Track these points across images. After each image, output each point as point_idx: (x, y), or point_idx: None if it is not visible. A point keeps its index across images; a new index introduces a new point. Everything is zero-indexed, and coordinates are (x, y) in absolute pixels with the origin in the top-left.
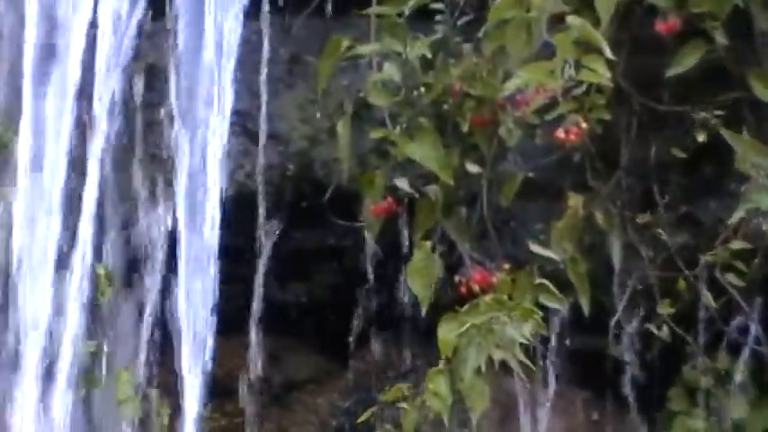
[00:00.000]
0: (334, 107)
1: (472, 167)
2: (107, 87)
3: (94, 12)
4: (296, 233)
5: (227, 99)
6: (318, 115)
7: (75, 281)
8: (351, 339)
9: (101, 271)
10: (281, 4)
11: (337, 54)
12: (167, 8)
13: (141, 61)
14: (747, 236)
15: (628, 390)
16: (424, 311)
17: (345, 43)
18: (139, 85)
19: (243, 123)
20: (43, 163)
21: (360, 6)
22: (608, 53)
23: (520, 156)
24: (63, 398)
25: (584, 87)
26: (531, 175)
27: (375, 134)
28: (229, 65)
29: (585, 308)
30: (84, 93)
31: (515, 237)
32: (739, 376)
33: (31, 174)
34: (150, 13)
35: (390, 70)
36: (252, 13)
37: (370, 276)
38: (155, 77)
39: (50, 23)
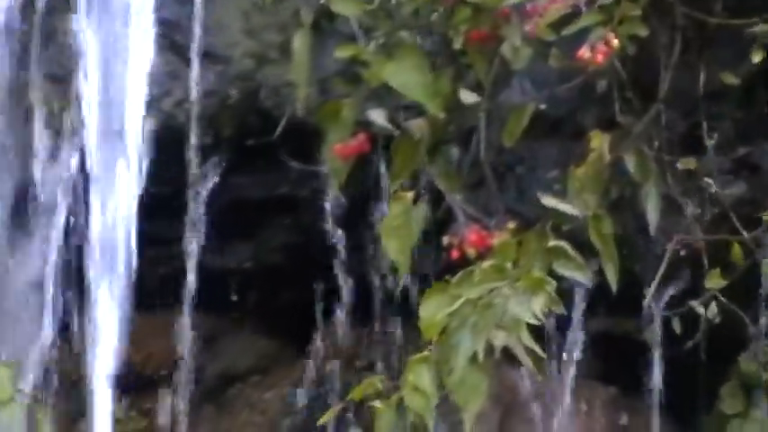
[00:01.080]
0: (287, 16)
1: (467, 96)
2: None
3: None
4: (238, 179)
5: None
6: (267, 27)
7: None
8: (312, 317)
9: None
10: None
11: None
12: None
13: None
14: None
15: (662, 385)
16: (401, 282)
17: None
18: None
19: (170, 36)
20: None
21: None
22: None
23: (529, 82)
24: None
25: None
26: (542, 106)
27: (341, 52)
28: None
29: (612, 279)
30: None
31: (522, 186)
32: None
33: None
34: None
35: None
36: None
37: (335, 236)
38: None
39: None
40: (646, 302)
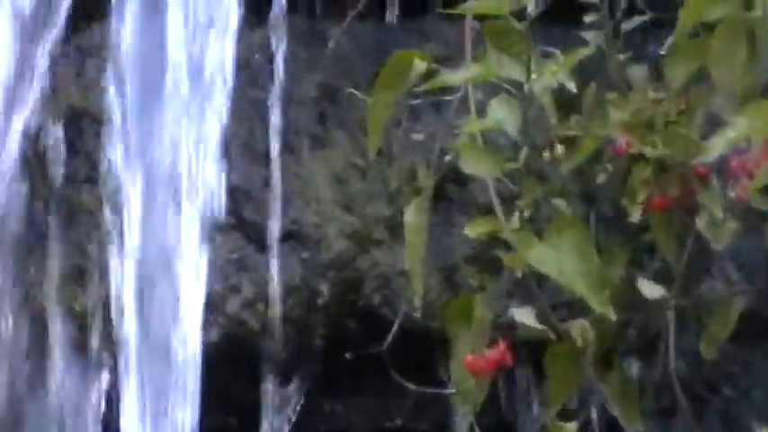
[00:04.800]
0: (399, 180)
1: (649, 288)
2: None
3: None
4: (333, 405)
5: (209, 167)
6: (371, 196)
7: None
8: None
9: None
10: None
11: (404, 85)
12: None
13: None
14: None
15: None
16: None
17: (421, 64)
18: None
19: (238, 211)
20: None
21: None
22: None
23: (736, 269)
24: None
25: None
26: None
27: (474, 229)
28: (214, 103)
29: None
30: None
31: (731, 414)
32: None
33: None
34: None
35: (501, 114)
36: (254, 12)
37: None
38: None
39: None
40: None
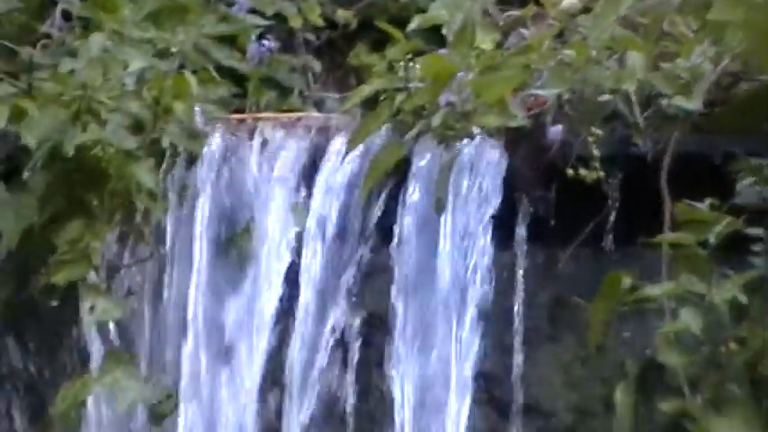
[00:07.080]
0: (611, 368)
1: None
2: None
3: None
4: None
5: (469, 357)
6: (590, 380)
7: None
8: None
9: None
10: (543, 230)
11: (617, 296)
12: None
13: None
14: None
15: None
16: None
17: (628, 281)
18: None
19: (489, 390)
20: None
21: (648, 233)
22: None
23: None
24: None
25: None
26: None
27: (667, 406)
28: (471, 309)
29: None
30: None
31: None
32: None
33: None
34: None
35: (688, 319)
36: (503, 240)
37: None
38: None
39: None
40: None
